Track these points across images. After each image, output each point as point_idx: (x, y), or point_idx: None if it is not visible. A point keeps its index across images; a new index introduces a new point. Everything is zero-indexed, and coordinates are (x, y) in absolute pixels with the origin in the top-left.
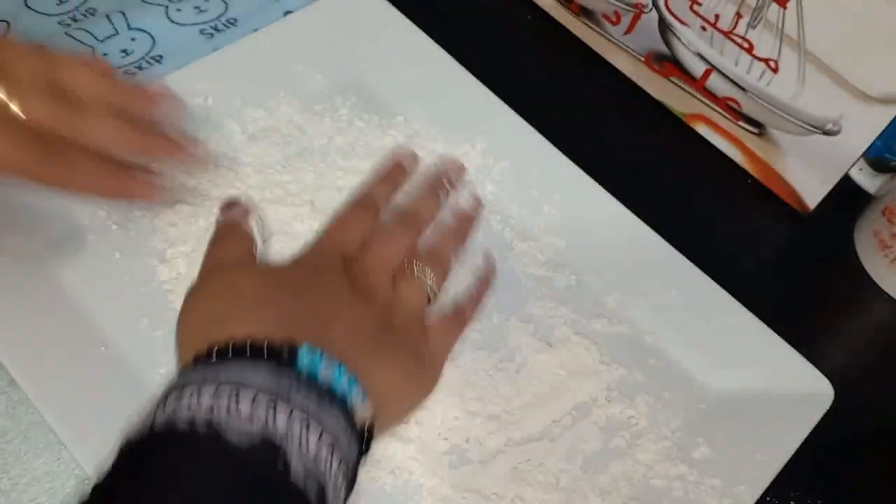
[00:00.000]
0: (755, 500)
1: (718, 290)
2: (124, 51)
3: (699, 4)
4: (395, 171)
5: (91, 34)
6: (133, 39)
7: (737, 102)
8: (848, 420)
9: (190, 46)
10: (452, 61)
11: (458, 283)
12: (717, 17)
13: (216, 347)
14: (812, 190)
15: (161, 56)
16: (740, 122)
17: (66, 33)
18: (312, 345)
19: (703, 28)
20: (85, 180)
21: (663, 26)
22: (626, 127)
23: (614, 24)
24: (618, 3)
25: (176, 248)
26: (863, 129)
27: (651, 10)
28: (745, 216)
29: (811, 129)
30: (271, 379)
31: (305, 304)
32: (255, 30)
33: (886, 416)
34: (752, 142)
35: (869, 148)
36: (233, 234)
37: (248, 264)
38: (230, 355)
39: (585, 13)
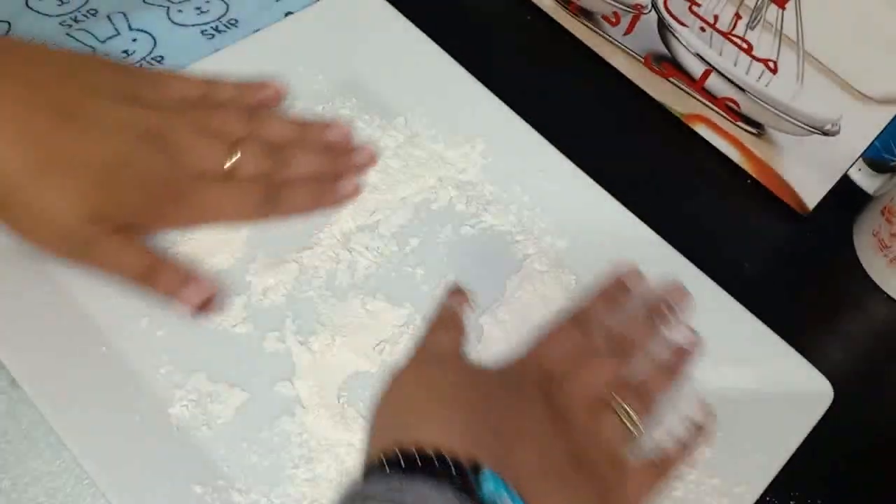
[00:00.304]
0: (755, 500)
1: (718, 289)
2: (125, 51)
3: (698, 5)
4: (616, 288)
5: (92, 35)
6: (134, 40)
7: (736, 103)
8: (848, 420)
9: (191, 47)
10: (452, 61)
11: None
12: (716, 17)
13: (403, 454)
14: (811, 190)
15: (162, 57)
16: (739, 123)
17: (68, 34)
18: (496, 468)
19: (703, 29)
20: (296, 208)
21: (662, 27)
22: (625, 127)
23: (614, 24)
24: (617, 4)
25: (177, 249)
26: (862, 130)
27: (650, 11)
28: (744, 216)
29: (810, 129)
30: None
31: (498, 419)
32: (256, 30)
33: (886, 416)
34: (751, 142)
35: (868, 148)
36: (449, 325)
37: (455, 361)
38: (417, 464)
39: (585, 14)
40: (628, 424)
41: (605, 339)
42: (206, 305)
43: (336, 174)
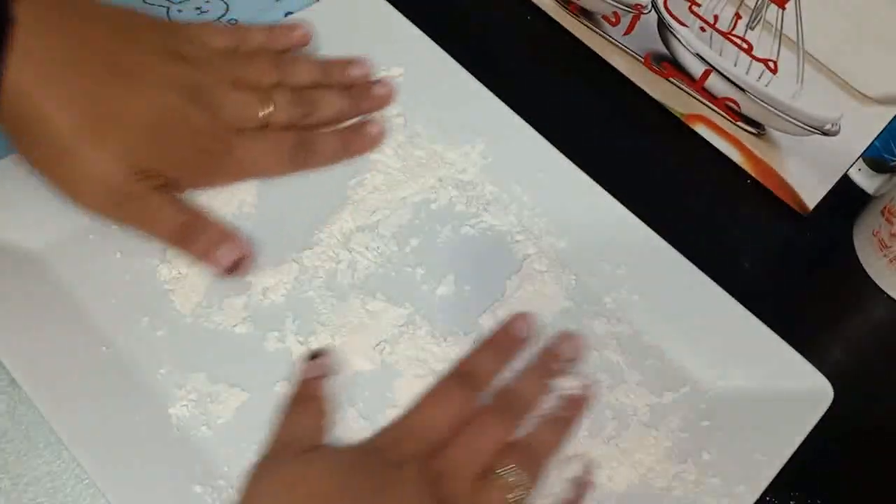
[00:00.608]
0: (755, 500)
1: (718, 290)
2: None
3: (698, 5)
4: (505, 340)
5: None
6: None
7: (736, 103)
8: (848, 420)
9: None
10: (452, 61)
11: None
12: (716, 17)
13: None
14: (811, 190)
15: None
16: (739, 123)
17: None
18: None
19: (703, 29)
20: (327, 155)
21: (662, 27)
22: (625, 127)
23: (614, 24)
24: (617, 4)
25: (177, 248)
26: (862, 130)
27: (650, 11)
28: (744, 216)
29: (810, 129)
30: None
31: None
32: None
33: (886, 416)
34: (751, 142)
35: (868, 148)
36: (308, 406)
37: (318, 451)
38: None
39: (585, 14)
40: (516, 493)
41: (494, 397)
42: (238, 265)
43: (360, 114)
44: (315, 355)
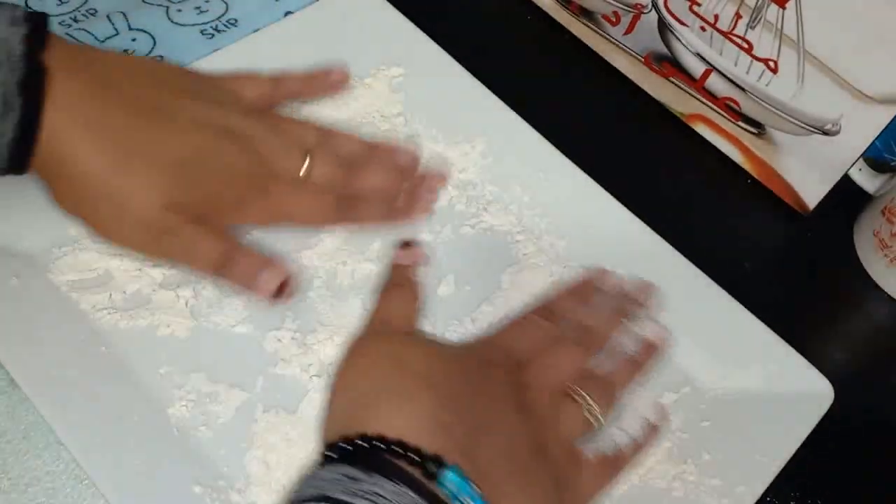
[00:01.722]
0: (755, 500)
1: (718, 290)
2: (125, 51)
3: (698, 5)
4: (584, 287)
5: (92, 35)
6: (134, 40)
7: (736, 102)
8: (848, 420)
9: (190, 47)
10: (452, 61)
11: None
12: (716, 17)
13: (364, 442)
14: (811, 190)
15: (162, 57)
16: (740, 122)
17: (67, 34)
18: (460, 461)
19: (703, 28)
20: (369, 218)
21: (663, 27)
22: (625, 127)
23: (614, 24)
24: (617, 4)
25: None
26: (862, 129)
27: (650, 10)
28: (744, 216)
29: (810, 129)
30: (409, 501)
31: (465, 405)
32: (256, 30)
33: (886, 416)
34: (751, 142)
35: (868, 148)
36: (403, 290)
37: (415, 334)
38: (378, 456)
39: (585, 14)
40: (589, 417)
41: (572, 330)
42: (283, 289)
43: (406, 192)
44: (407, 244)
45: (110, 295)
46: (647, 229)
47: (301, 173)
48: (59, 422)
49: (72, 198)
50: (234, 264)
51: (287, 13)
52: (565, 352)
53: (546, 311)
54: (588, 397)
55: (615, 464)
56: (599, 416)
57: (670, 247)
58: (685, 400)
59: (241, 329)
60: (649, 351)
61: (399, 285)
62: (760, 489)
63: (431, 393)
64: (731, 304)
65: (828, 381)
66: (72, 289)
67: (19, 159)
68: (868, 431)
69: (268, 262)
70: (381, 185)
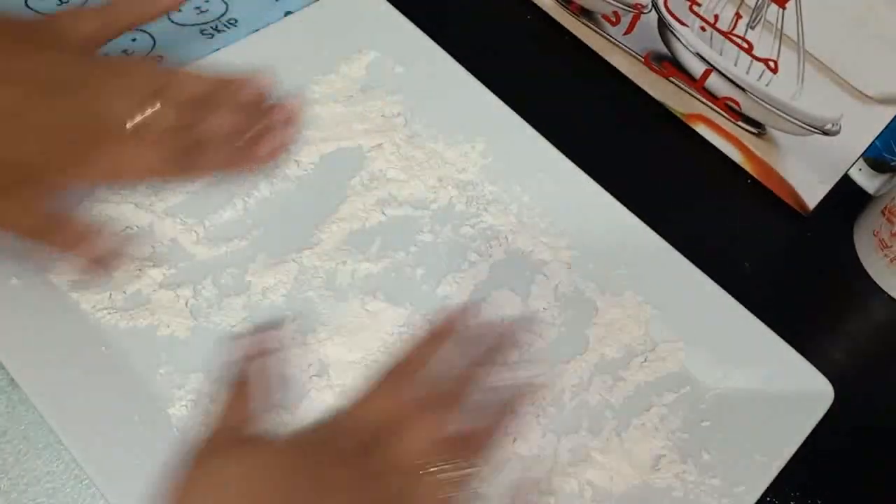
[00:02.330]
0: (755, 500)
1: (718, 289)
2: (125, 51)
3: (698, 5)
4: (442, 331)
5: None
6: (133, 40)
7: (736, 102)
8: (848, 420)
9: (190, 47)
10: (452, 61)
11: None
12: (716, 17)
13: None
14: (812, 190)
15: (161, 57)
16: (740, 122)
17: None
18: None
19: (703, 28)
20: (214, 164)
21: (663, 27)
22: (626, 127)
23: (614, 24)
24: (617, 4)
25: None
26: (862, 130)
27: (650, 10)
28: (744, 216)
29: (810, 129)
30: None
31: None
32: (256, 30)
33: (886, 416)
34: (751, 142)
35: (868, 148)
36: (253, 388)
37: (257, 444)
38: None
39: (585, 14)
40: (458, 478)
41: (430, 390)
42: (105, 260)
43: (255, 133)
44: (262, 328)
45: (110, 295)
46: (648, 229)
47: (130, 124)
48: (59, 422)
49: None
50: (54, 233)
51: (287, 13)
52: (422, 422)
53: (398, 374)
54: (447, 465)
55: None
56: (469, 471)
57: (670, 247)
58: (685, 400)
59: (241, 329)
60: (519, 396)
61: (243, 382)
62: (760, 489)
63: None
64: (731, 304)
65: (828, 381)
66: (72, 289)
67: None
68: (868, 431)
69: (88, 232)
70: (229, 127)
